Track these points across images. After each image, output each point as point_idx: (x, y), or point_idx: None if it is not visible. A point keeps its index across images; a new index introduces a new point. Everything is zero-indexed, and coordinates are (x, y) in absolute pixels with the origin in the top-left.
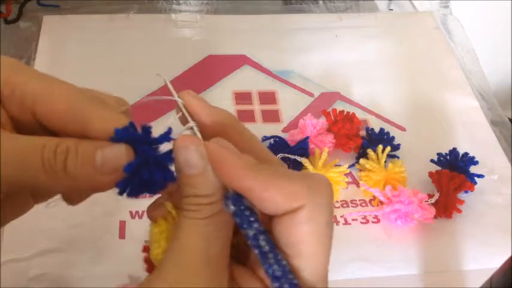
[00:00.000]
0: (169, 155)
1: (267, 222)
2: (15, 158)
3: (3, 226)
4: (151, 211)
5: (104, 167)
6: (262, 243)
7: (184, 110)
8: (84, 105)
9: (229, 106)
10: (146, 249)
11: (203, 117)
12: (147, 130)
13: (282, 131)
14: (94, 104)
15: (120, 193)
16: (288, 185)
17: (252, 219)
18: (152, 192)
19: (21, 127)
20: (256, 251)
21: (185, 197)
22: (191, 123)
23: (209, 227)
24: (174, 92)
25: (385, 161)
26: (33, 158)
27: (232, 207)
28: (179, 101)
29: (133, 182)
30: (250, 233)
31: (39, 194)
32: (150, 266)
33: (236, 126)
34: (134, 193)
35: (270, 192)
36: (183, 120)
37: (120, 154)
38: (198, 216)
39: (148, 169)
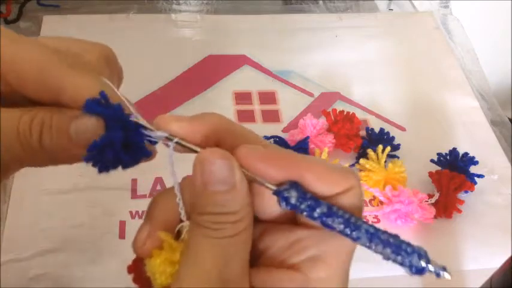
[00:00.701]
0: (139, 135)
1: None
2: None
3: None
4: (140, 247)
5: (78, 139)
6: (340, 212)
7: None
8: (56, 70)
9: (229, 106)
10: (132, 269)
11: (194, 135)
12: (117, 107)
13: (282, 131)
14: (67, 68)
15: (92, 164)
16: (338, 169)
17: (317, 199)
18: (123, 168)
19: (8, 99)
20: (340, 226)
21: (206, 214)
22: (174, 139)
23: (232, 247)
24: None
25: (385, 161)
26: (8, 131)
27: (295, 195)
28: (162, 135)
29: (99, 160)
30: (323, 208)
31: (7, 168)
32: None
33: (236, 129)
34: (103, 169)
35: (331, 173)
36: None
37: (91, 128)
38: (220, 235)
39: (113, 150)
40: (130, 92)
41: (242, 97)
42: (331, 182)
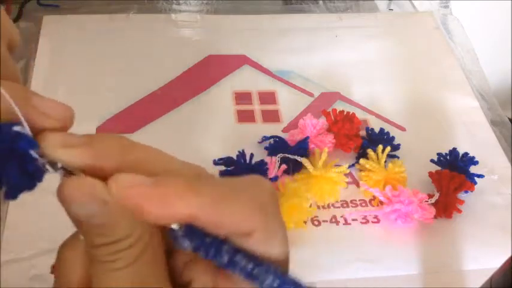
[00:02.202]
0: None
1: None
2: None
3: None
4: None
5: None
6: (243, 262)
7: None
8: None
9: (229, 106)
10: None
11: (80, 164)
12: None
13: (282, 131)
14: None
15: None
16: (238, 208)
17: (219, 245)
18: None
19: None
20: (243, 276)
21: (96, 247)
22: (59, 166)
23: (138, 273)
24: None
25: (385, 161)
26: None
27: (188, 243)
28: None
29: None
30: (225, 259)
31: None
32: None
33: (126, 158)
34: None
35: (222, 218)
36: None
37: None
38: (121, 266)
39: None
40: (130, 91)
41: (242, 97)
42: (223, 229)
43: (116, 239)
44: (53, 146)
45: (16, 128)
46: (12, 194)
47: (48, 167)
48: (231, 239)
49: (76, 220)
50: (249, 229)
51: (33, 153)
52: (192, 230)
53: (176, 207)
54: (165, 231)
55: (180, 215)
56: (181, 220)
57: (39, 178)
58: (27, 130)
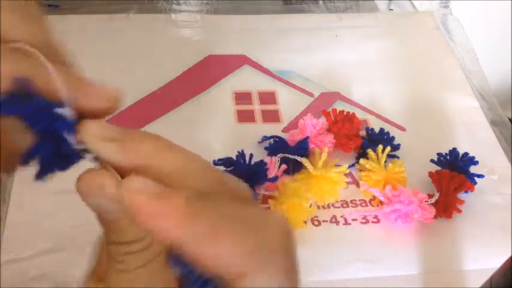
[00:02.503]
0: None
1: None
2: None
3: None
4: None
5: None
6: None
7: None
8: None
9: (229, 106)
10: None
11: (111, 159)
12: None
13: (282, 131)
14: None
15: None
16: (225, 248)
17: (204, 281)
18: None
19: None
20: None
21: (109, 243)
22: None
23: (148, 276)
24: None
25: (385, 161)
26: None
27: (177, 268)
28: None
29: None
30: None
31: None
32: None
33: (157, 158)
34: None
35: (203, 256)
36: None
37: None
38: (129, 268)
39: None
40: (130, 91)
41: (242, 97)
42: (209, 270)
43: (127, 239)
44: (90, 136)
45: (59, 110)
46: (42, 174)
47: (83, 153)
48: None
49: (94, 212)
50: (238, 272)
51: (68, 137)
52: (180, 259)
53: (166, 230)
54: None
55: (168, 239)
56: (169, 243)
57: (73, 162)
58: (68, 113)
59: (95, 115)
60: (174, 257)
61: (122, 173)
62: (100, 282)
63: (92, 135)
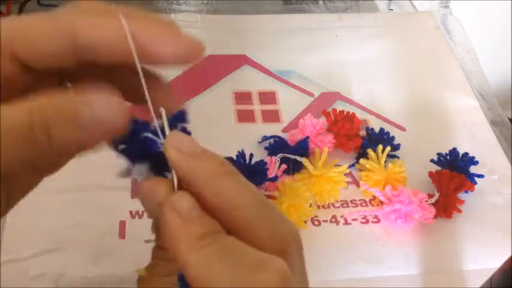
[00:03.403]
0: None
1: None
2: None
3: (10, 208)
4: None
5: (94, 127)
6: None
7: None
8: (63, 16)
9: (229, 106)
10: None
11: (178, 171)
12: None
13: (282, 131)
14: (77, 13)
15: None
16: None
17: None
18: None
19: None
20: None
21: (155, 246)
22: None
23: (170, 285)
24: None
25: (385, 161)
26: (8, 131)
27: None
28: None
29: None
30: None
31: (17, 175)
32: None
33: (215, 184)
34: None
35: (200, 283)
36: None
37: (110, 111)
38: (160, 273)
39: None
40: None
41: (242, 97)
42: None
43: (163, 244)
44: (171, 147)
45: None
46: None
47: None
48: None
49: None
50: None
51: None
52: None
53: (178, 253)
54: None
55: (177, 260)
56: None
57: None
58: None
59: (177, 60)
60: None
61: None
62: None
63: (172, 145)
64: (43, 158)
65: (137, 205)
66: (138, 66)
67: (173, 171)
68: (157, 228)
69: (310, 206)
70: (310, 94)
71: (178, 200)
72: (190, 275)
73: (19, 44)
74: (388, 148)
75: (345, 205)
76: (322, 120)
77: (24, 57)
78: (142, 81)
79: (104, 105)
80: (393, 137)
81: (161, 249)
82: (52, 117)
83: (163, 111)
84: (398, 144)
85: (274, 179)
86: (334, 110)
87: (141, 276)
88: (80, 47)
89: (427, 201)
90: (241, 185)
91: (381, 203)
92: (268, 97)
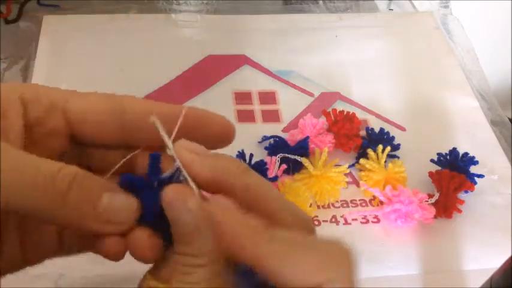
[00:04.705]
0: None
1: None
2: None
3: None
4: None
5: (105, 214)
6: None
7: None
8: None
9: (229, 106)
10: None
11: (200, 172)
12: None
13: (282, 131)
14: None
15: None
16: (305, 260)
17: None
18: None
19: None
20: None
21: (177, 253)
22: (178, 164)
23: None
24: (169, 143)
25: (385, 161)
26: (31, 175)
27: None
28: (173, 154)
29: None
30: None
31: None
32: None
33: (242, 178)
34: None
35: (284, 266)
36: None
37: (129, 207)
38: (191, 280)
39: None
40: (130, 92)
41: (242, 97)
42: (286, 280)
43: (195, 252)
44: (181, 146)
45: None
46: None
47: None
48: None
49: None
50: (322, 278)
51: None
52: (247, 274)
53: (245, 249)
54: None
55: (246, 257)
56: (245, 261)
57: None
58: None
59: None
60: (242, 273)
61: (206, 190)
62: (163, 282)
63: (184, 147)
64: (53, 212)
65: None
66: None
67: (188, 178)
68: (182, 235)
69: (310, 206)
70: (310, 94)
71: (225, 200)
72: (267, 267)
73: (79, 126)
74: (388, 148)
75: (345, 205)
76: (322, 120)
77: (79, 137)
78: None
79: (123, 203)
80: (393, 137)
81: (192, 256)
82: (77, 182)
83: (157, 121)
84: (398, 144)
85: (274, 179)
86: (334, 110)
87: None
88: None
89: (427, 201)
90: (261, 178)
91: (381, 203)
92: (268, 97)
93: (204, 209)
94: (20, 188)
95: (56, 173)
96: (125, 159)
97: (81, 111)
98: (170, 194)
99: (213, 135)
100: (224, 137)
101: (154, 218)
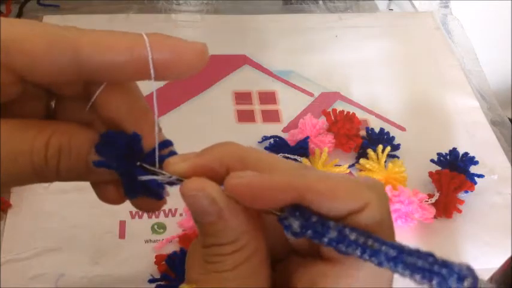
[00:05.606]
0: (154, 183)
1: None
2: (3, 165)
3: None
4: (171, 162)
5: (99, 168)
6: (354, 236)
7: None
8: (69, 33)
9: (229, 106)
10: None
11: (197, 171)
12: (134, 138)
13: (282, 131)
14: (79, 30)
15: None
16: (349, 183)
17: (325, 222)
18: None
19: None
20: (357, 252)
21: (205, 247)
22: (172, 178)
23: (236, 280)
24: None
25: (385, 161)
26: (22, 165)
27: (296, 223)
28: (172, 180)
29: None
30: (333, 234)
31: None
32: None
33: (249, 156)
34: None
35: (335, 191)
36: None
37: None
38: (223, 268)
39: (133, 188)
40: None
41: (242, 97)
42: (337, 201)
43: (222, 242)
44: (175, 162)
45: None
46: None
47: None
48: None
49: (194, 218)
50: (361, 201)
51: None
52: (296, 213)
53: (288, 190)
54: (274, 239)
55: (294, 196)
56: (292, 199)
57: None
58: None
59: (185, 71)
60: (291, 212)
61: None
62: (193, 283)
63: (174, 163)
64: (43, 181)
65: None
66: (154, 90)
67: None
68: (208, 225)
69: None
70: (310, 94)
71: (240, 172)
72: (315, 192)
73: (17, 56)
74: (388, 148)
75: None
76: (322, 120)
77: (20, 70)
78: (155, 104)
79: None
80: (393, 137)
81: (218, 246)
82: (64, 153)
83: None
84: (398, 144)
85: None
86: (334, 110)
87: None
88: (83, 68)
89: (427, 201)
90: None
91: None
92: (268, 97)
93: (233, 185)
94: (10, 177)
95: (43, 158)
96: (97, 93)
97: (13, 38)
98: (188, 186)
99: (187, 63)
100: (199, 62)
101: (136, 195)
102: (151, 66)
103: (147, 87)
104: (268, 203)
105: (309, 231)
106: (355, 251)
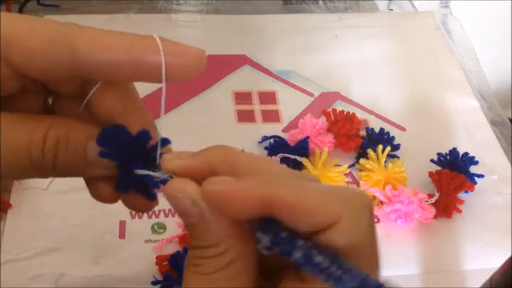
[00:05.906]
0: (149, 179)
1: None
2: (3, 158)
3: None
4: (166, 158)
5: (95, 163)
6: (319, 258)
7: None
8: (68, 30)
9: (229, 106)
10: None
11: (190, 168)
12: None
13: (282, 131)
14: (79, 27)
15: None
16: (320, 196)
17: (293, 239)
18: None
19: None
20: (321, 275)
21: (192, 248)
22: (166, 175)
23: (221, 282)
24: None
25: (385, 161)
26: (20, 158)
27: (265, 237)
28: (165, 178)
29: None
30: (298, 254)
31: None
32: None
33: (237, 161)
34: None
35: (300, 203)
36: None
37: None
38: (206, 271)
39: (127, 184)
40: None
41: (242, 97)
42: (299, 215)
43: (204, 244)
44: (170, 158)
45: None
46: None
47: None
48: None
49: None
50: (327, 217)
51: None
52: (268, 226)
53: (251, 190)
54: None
55: (257, 198)
56: (260, 208)
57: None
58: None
59: (183, 75)
60: (262, 225)
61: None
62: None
63: (169, 160)
64: (41, 175)
65: None
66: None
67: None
68: (191, 227)
69: None
70: (310, 94)
71: (216, 178)
72: (283, 204)
73: (16, 52)
74: (388, 148)
75: None
76: (322, 120)
77: (19, 65)
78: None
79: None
80: (393, 137)
81: (201, 248)
82: (62, 146)
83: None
84: (398, 144)
85: None
86: (334, 110)
87: None
88: (80, 66)
89: (427, 201)
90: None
91: (381, 203)
92: (268, 97)
93: (205, 191)
94: (8, 170)
95: (41, 152)
96: (93, 90)
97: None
98: (171, 187)
99: (188, 67)
100: (197, 67)
101: (126, 190)
102: (163, 69)
103: (146, 87)
104: (238, 211)
105: (277, 248)
106: (319, 275)
